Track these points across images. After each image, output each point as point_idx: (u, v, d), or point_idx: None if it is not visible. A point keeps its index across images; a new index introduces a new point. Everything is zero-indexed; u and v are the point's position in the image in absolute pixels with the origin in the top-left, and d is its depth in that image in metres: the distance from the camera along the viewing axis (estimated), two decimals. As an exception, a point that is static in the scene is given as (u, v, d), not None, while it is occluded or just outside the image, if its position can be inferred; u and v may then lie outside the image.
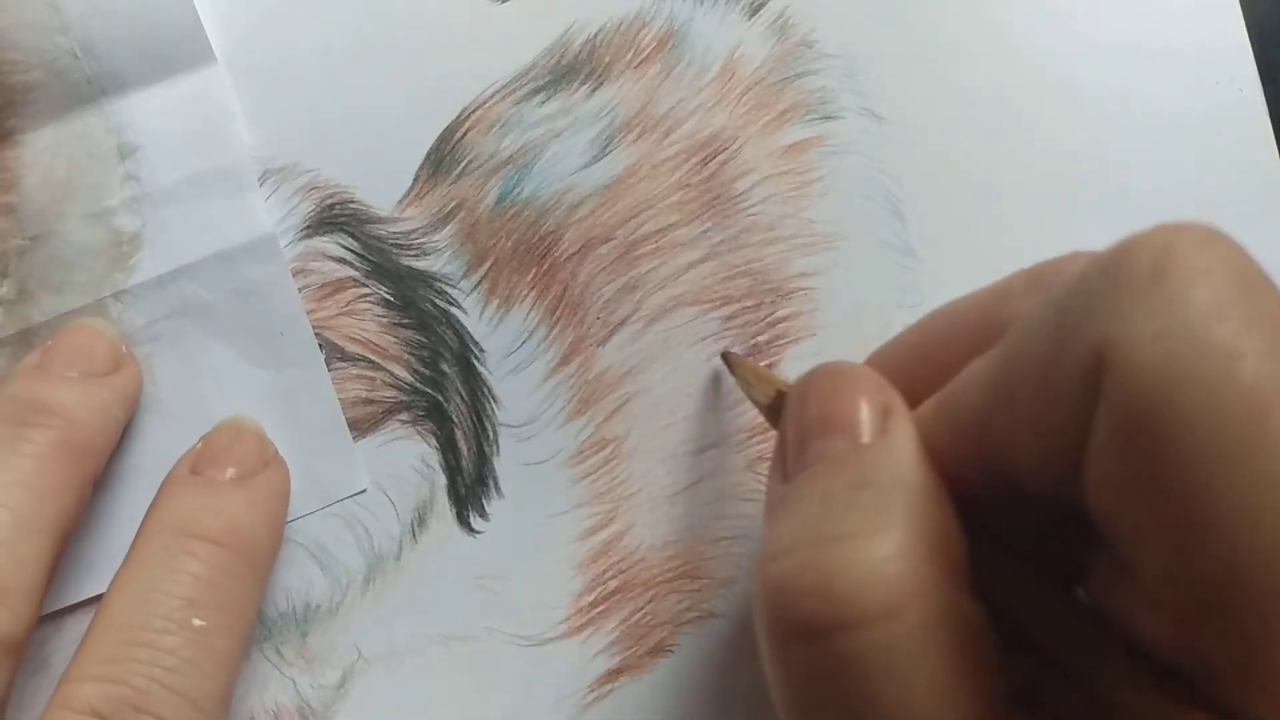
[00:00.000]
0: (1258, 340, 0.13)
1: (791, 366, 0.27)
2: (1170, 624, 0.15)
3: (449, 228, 0.26)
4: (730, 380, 0.27)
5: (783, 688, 0.17)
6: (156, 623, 0.21)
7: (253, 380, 0.26)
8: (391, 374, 0.26)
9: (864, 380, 0.19)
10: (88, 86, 0.25)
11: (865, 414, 0.18)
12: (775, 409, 0.23)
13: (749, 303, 0.27)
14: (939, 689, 0.15)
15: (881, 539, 0.16)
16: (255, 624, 0.25)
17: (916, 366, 0.20)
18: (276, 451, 0.25)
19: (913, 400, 0.19)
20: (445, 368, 0.26)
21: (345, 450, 0.26)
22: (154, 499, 0.24)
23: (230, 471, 0.24)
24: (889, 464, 0.17)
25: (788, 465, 0.19)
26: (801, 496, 0.18)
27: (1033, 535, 0.18)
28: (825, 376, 0.20)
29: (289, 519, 0.26)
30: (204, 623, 0.22)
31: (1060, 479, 0.15)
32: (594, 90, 0.27)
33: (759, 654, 0.17)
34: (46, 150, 0.25)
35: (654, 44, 0.27)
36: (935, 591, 0.16)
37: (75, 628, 0.25)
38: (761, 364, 0.27)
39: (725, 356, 0.26)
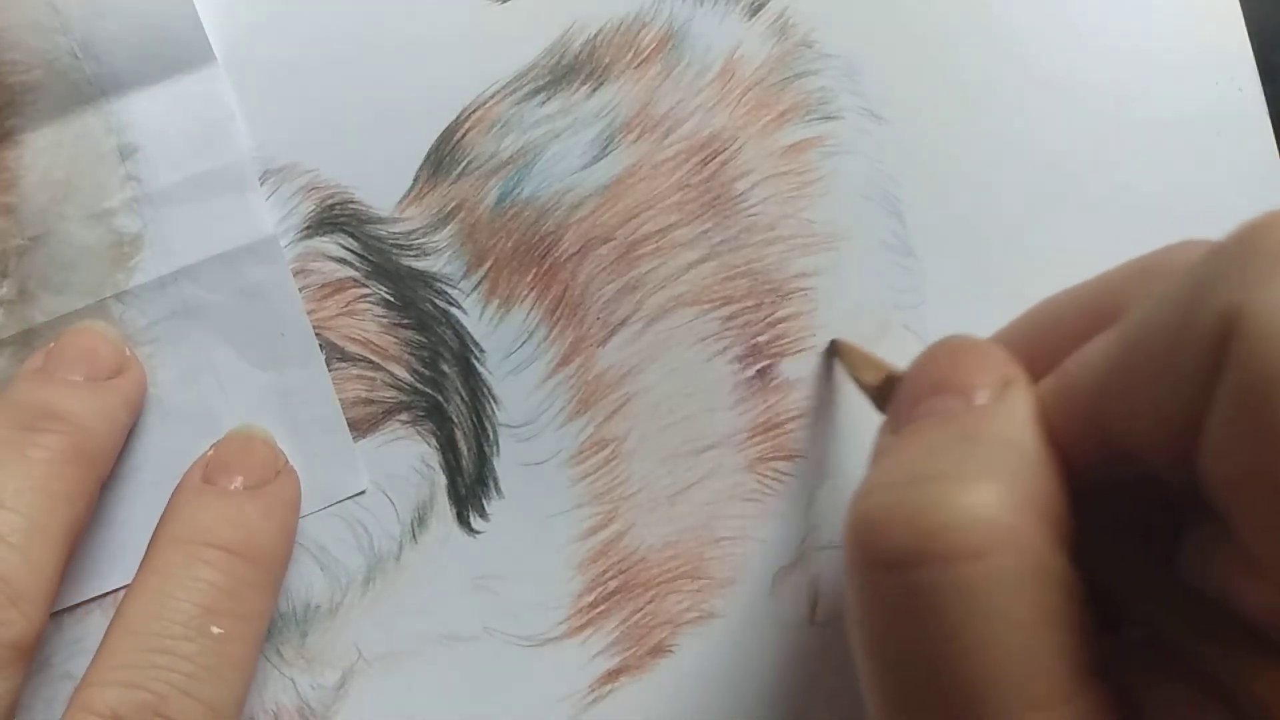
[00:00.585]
0: None
1: (791, 366, 0.27)
2: (1278, 594, 0.14)
3: (449, 228, 0.26)
4: (731, 379, 0.27)
5: (861, 621, 0.17)
6: (175, 630, 0.22)
7: (253, 381, 0.26)
8: (391, 374, 0.26)
9: (987, 350, 0.19)
10: (88, 87, 0.25)
11: (983, 380, 0.18)
12: (884, 393, 0.23)
13: (749, 303, 0.27)
14: (1026, 636, 0.15)
15: (981, 485, 0.16)
16: (267, 631, 0.26)
17: (1027, 353, 0.20)
18: (287, 460, 0.25)
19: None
20: (445, 368, 0.26)
21: (345, 451, 0.26)
22: (167, 507, 0.24)
23: (242, 480, 0.24)
24: (1001, 424, 0.17)
25: (899, 419, 0.19)
26: (907, 443, 0.18)
27: (1133, 515, 0.18)
28: (948, 346, 0.19)
29: None
30: (221, 630, 0.22)
31: (1175, 455, 0.15)
32: (594, 90, 0.27)
33: (847, 590, 0.17)
34: (46, 150, 0.25)
35: (654, 44, 0.27)
36: (1031, 542, 0.15)
37: (75, 627, 0.25)
38: (759, 370, 0.27)
39: (833, 343, 0.27)
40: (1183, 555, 0.17)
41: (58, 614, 0.25)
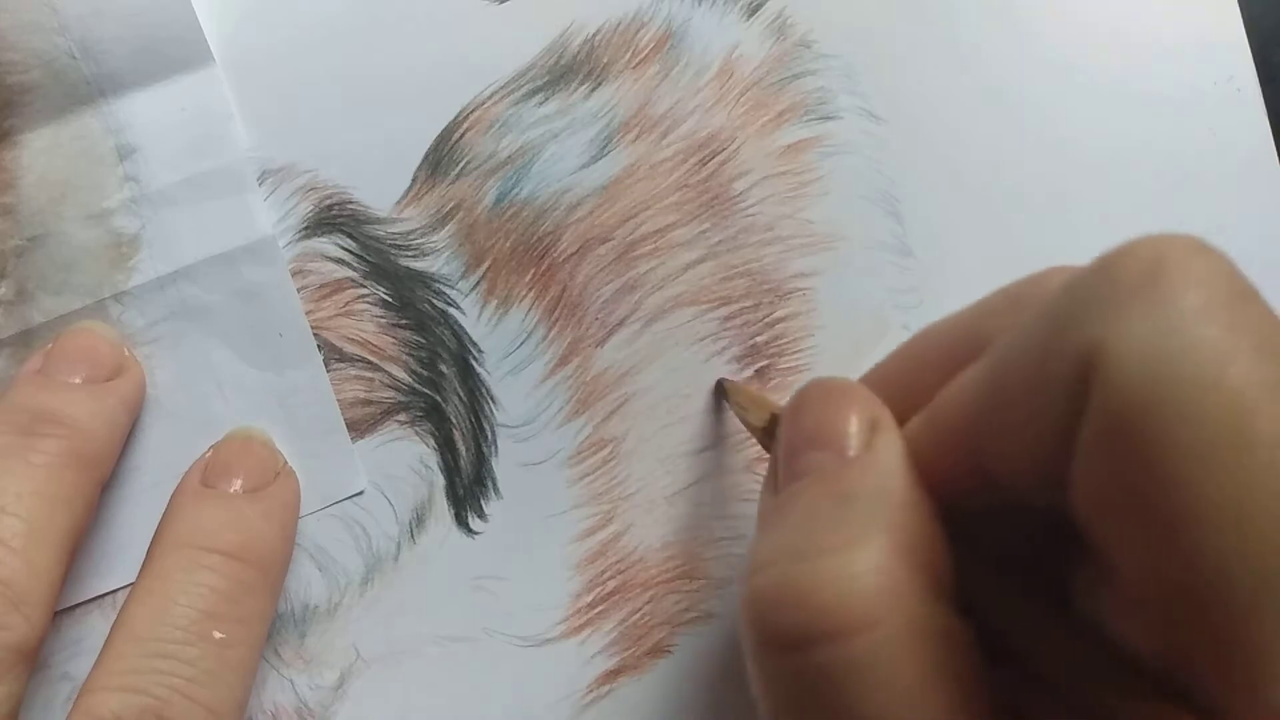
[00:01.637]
0: (1245, 344, 0.14)
1: (790, 366, 0.27)
2: (1153, 628, 0.15)
3: (447, 228, 0.26)
4: (731, 378, 0.27)
5: (765, 698, 0.17)
6: (177, 634, 0.22)
7: (252, 381, 0.26)
8: (390, 375, 0.26)
9: (852, 394, 0.19)
10: (86, 87, 0.25)
11: (853, 428, 0.18)
12: (770, 433, 0.23)
13: (747, 303, 0.27)
14: (916, 700, 0.15)
15: (860, 552, 0.16)
16: (268, 634, 0.26)
17: (902, 387, 0.20)
18: (286, 462, 0.25)
19: (901, 420, 0.19)
20: (443, 368, 0.26)
21: (344, 451, 0.26)
22: (166, 510, 0.24)
23: (241, 483, 0.24)
24: (872, 477, 0.18)
25: (778, 479, 0.19)
26: (787, 510, 0.18)
27: (1019, 549, 0.18)
28: (815, 392, 0.20)
29: None
30: (223, 635, 0.22)
31: (1046, 484, 0.15)
32: (592, 90, 0.27)
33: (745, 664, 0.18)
34: (44, 151, 0.25)
35: (652, 44, 0.27)
36: (913, 603, 0.16)
37: (73, 628, 0.25)
38: (758, 370, 0.27)
39: (721, 383, 0.27)
40: (1074, 585, 0.17)
41: (56, 615, 0.25)
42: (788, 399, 0.23)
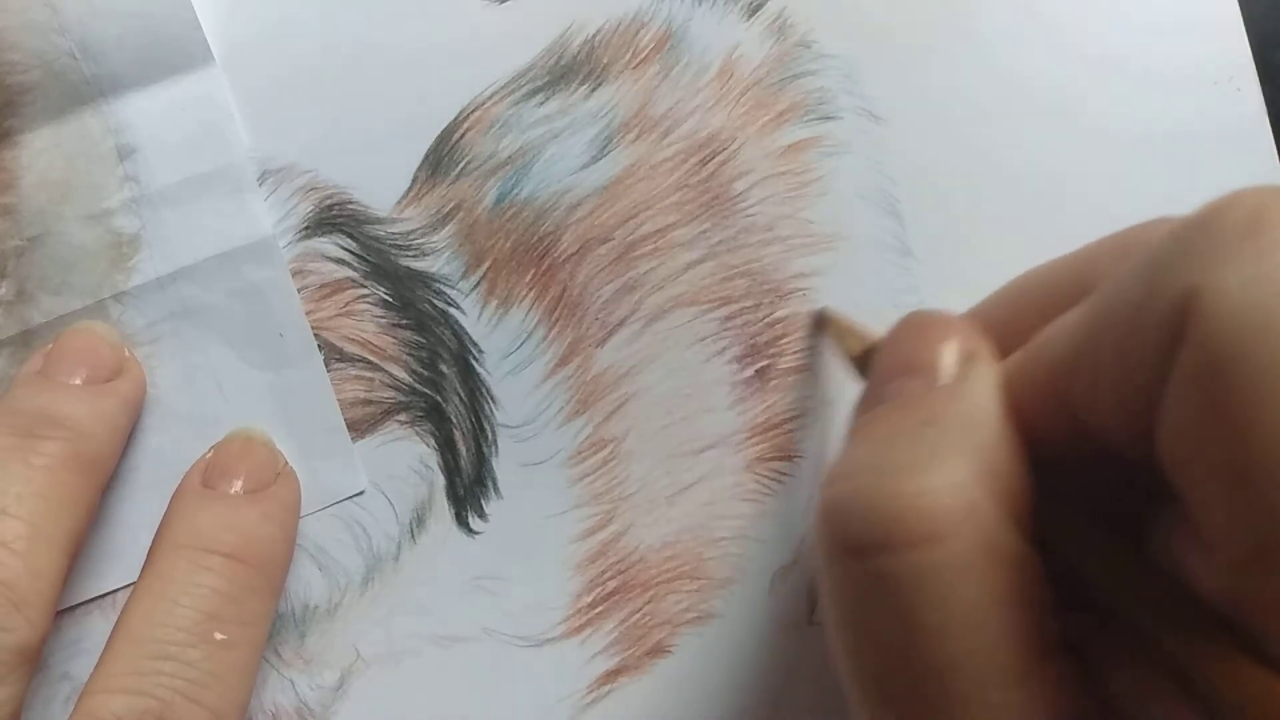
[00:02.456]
0: None
1: (791, 366, 0.27)
2: (1229, 576, 0.15)
3: (447, 228, 0.26)
4: (730, 379, 0.27)
5: (833, 604, 0.17)
6: (179, 636, 0.22)
7: (252, 382, 0.26)
8: (390, 375, 0.26)
9: (951, 326, 0.19)
10: (86, 87, 0.25)
11: (947, 358, 0.19)
12: (865, 363, 0.23)
13: (747, 303, 0.27)
14: (979, 618, 0.16)
15: (940, 469, 0.16)
16: (269, 635, 0.26)
17: (1004, 325, 0.20)
18: (287, 462, 0.25)
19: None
20: (444, 368, 0.26)
21: (344, 452, 0.26)
22: (167, 511, 0.24)
23: (241, 483, 0.24)
24: (962, 404, 0.18)
25: (869, 400, 0.20)
26: (871, 428, 0.18)
27: (1100, 493, 0.18)
28: (914, 322, 0.20)
29: None
30: (225, 636, 0.22)
31: (1134, 431, 0.16)
32: (592, 91, 0.27)
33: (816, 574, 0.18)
34: (44, 151, 0.25)
35: (652, 44, 0.27)
36: (988, 524, 0.16)
37: (73, 629, 0.25)
38: (758, 370, 0.27)
39: (820, 312, 0.27)
40: (1152, 535, 0.17)
41: (57, 615, 0.25)
42: (869, 343, 0.23)
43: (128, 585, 0.25)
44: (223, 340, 0.25)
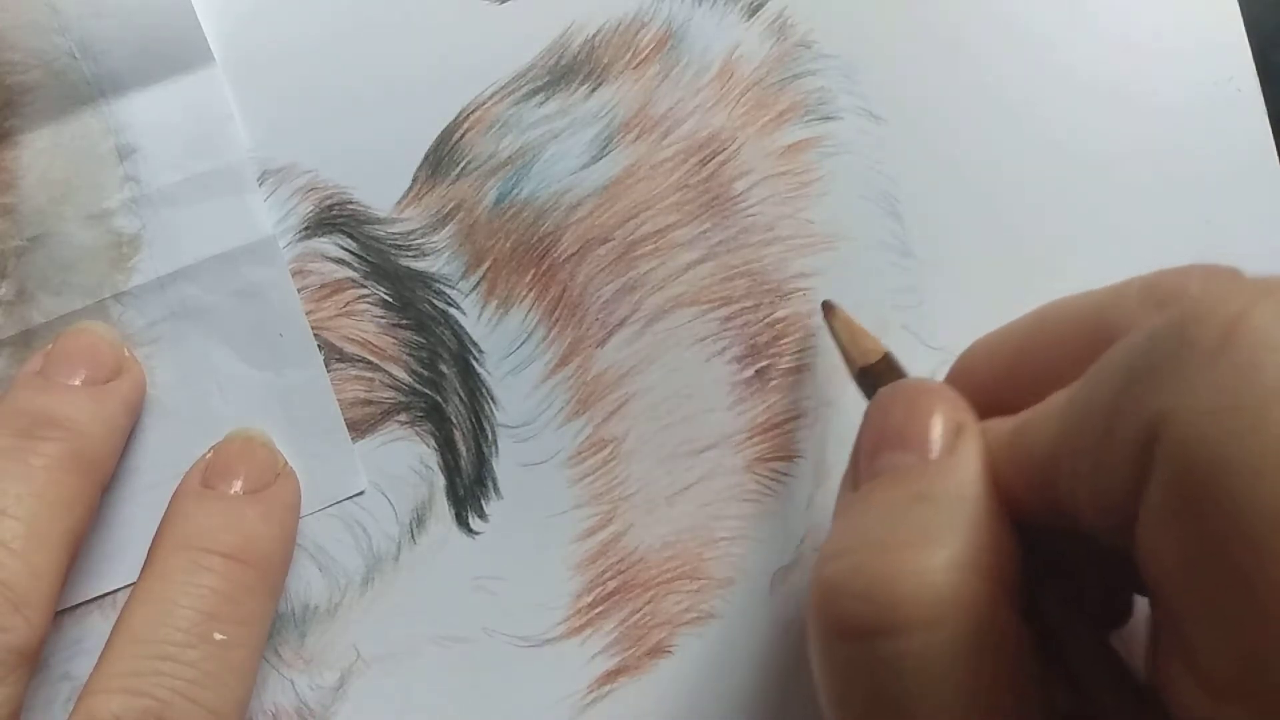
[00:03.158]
0: None
1: (791, 366, 0.27)
2: (1209, 694, 0.14)
3: (448, 228, 0.26)
4: (730, 379, 0.27)
5: (826, 683, 0.18)
6: (178, 636, 0.22)
7: (252, 382, 0.26)
8: (390, 375, 0.26)
9: (939, 397, 0.20)
10: (86, 87, 0.25)
11: (937, 431, 0.19)
12: (867, 375, 0.23)
13: (748, 303, 0.27)
14: (971, 703, 0.16)
15: (933, 550, 0.16)
16: (268, 635, 0.26)
17: (1024, 359, 0.20)
18: (286, 462, 0.25)
19: (1011, 395, 0.19)
20: (444, 368, 0.26)
21: (344, 451, 0.26)
22: (167, 511, 0.24)
23: (242, 484, 0.24)
24: (952, 481, 0.18)
25: (859, 473, 0.20)
26: (864, 505, 0.18)
27: (1089, 571, 0.18)
28: (903, 391, 0.20)
29: None
30: (224, 636, 0.22)
31: (1117, 531, 0.15)
32: (593, 91, 0.27)
33: (806, 648, 0.18)
34: (45, 151, 0.25)
35: (652, 44, 0.27)
36: (979, 607, 0.16)
37: (74, 628, 0.25)
38: (758, 370, 0.27)
39: (826, 306, 0.26)
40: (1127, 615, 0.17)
41: (57, 615, 0.25)
42: (870, 357, 0.23)
43: (128, 585, 0.25)
44: (223, 340, 0.25)
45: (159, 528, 0.24)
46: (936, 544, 0.17)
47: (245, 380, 0.26)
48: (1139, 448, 0.14)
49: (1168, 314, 0.15)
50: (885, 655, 0.16)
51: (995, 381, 0.21)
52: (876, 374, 0.23)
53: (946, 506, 0.17)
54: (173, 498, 0.24)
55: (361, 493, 0.26)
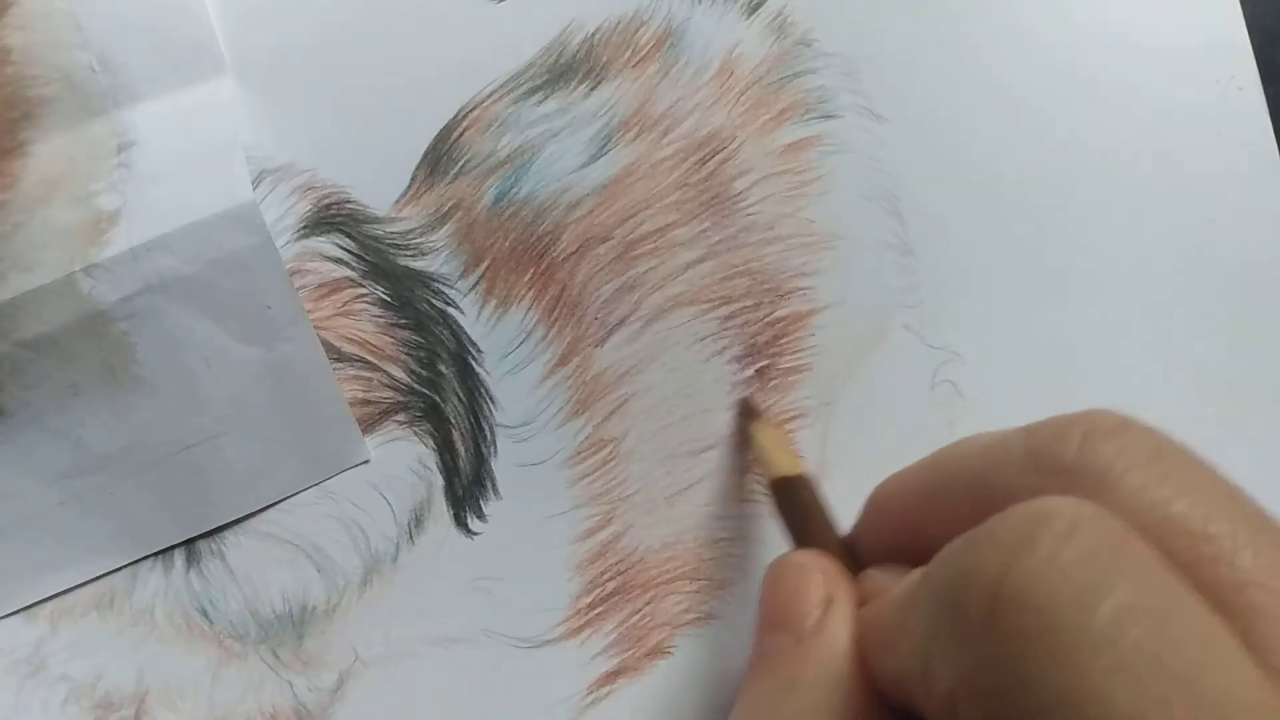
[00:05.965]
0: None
1: (791, 366, 0.27)
2: None
3: (446, 227, 0.26)
4: (730, 378, 0.27)
5: None
6: None
7: (241, 357, 0.25)
8: (388, 375, 0.26)
9: (811, 571, 0.20)
10: (101, 99, 0.25)
11: (807, 607, 0.20)
12: (777, 490, 0.24)
13: (748, 302, 0.27)
14: None
15: None
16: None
17: (924, 505, 0.20)
18: None
19: (922, 534, 0.19)
20: (442, 368, 0.26)
21: (344, 421, 0.25)
22: None
23: None
24: (814, 664, 0.19)
25: (751, 653, 0.21)
26: (746, 695, 0.20)
27: None
28: (783, 567, 0.21)
29: (291, 498, 0.26)
30: None
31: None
32: (592, 89, 0.27)
33: None
34: (50, 158, 0.25)
35: (652, 43, 0.27)
36: None
37: (72, 628, 0.25)
38: (758, 369, 0.27)
39: (743, 404, 0.27)
40: None
41: (54, 615, 0.25)
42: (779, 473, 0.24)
43: (126, 565, 0.25)
44: (205, 315, 0.25)
45: None
46: None
47: (233, 356, 0.25)
48: (948, 709, 0.15)
49: (947, 566, 0.16)
50: None
51: (904, 523, 0.21)
52: (791, 489, 0.24)
53: (812, 695, 0.18)
54: None
55: (367, 461, 0.26)
